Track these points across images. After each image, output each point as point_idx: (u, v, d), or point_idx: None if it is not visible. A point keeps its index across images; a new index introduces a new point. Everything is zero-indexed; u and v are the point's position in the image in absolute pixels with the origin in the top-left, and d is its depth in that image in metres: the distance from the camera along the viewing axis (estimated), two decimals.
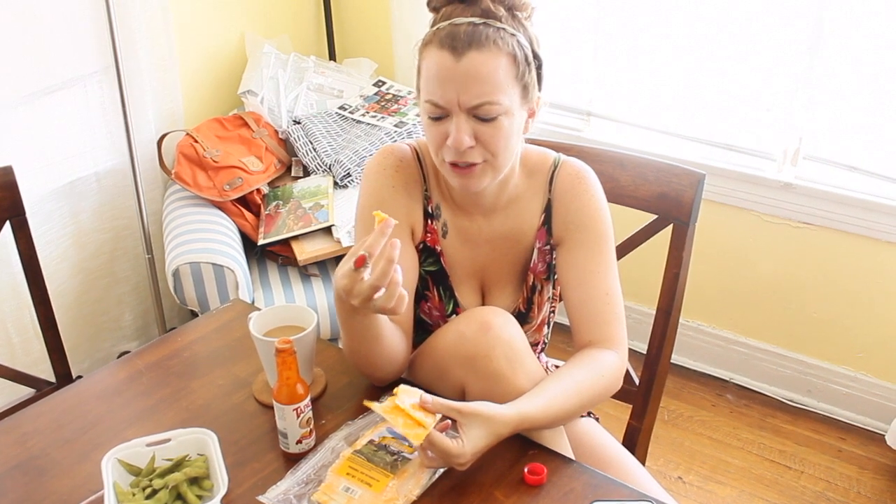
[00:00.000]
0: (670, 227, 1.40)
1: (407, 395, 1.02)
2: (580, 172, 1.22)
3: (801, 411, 2.33)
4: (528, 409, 1.04)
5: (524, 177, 1.22)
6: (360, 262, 0.98)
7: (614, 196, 1.42)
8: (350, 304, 1.02)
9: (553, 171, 1.22)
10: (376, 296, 0.99)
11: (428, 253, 1.25)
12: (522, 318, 1.26)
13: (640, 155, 1.43)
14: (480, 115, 1.07)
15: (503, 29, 1.07)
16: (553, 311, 1.35)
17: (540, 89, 1.15)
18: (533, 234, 1.24)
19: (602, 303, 1.17)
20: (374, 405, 1.01)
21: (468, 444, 1.00)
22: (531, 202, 1.23)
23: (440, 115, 1.09)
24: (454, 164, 1.11)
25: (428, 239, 1.24)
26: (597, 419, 1.40)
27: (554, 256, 1.25)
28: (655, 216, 1.41)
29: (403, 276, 1.17)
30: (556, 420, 1.08)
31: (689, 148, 2.32)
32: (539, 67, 1.13)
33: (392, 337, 1.14)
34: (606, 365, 1.15)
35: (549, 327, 1.36)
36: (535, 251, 1.24)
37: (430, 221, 1.23)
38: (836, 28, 2.04)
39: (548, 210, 1.22)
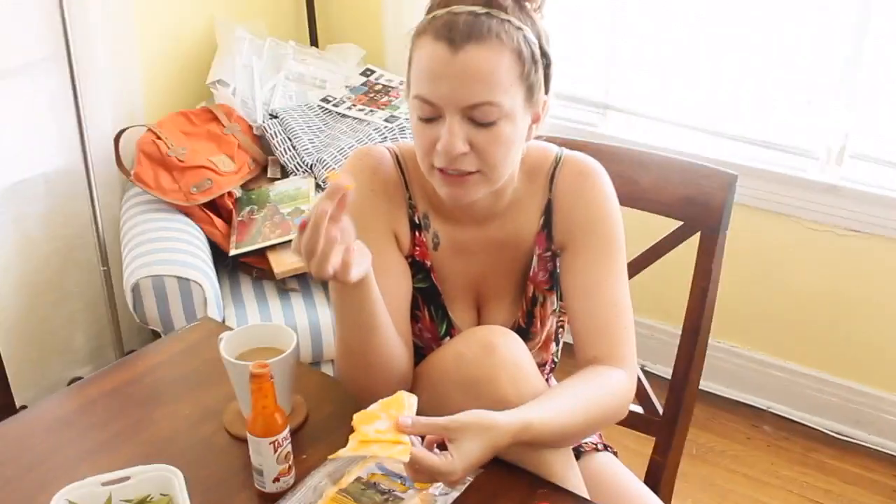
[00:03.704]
0: (698, 235, 1.40)
1: (367, 423, 1.01)
2: (585, 168, 1.22)
3: (850, 445, 2.33)
4: (532, 418, 1.04)
5: (523, 179, 1.23)
6: (303, 227, 1.00)
7: (634, 200, 1.42)
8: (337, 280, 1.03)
9: (554, 169, 1.23)
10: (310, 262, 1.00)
11: (417, 268, 1.25)
12: (523, 333, 1.27)
13: (664, 154, 1.44)
14: (477, 118, 1.08)
15: (508, 21, 1.08)
16: (562, 327, 1.35)
17: (547, 91, 1.15)
18: (531, 240, 1.25)
19: (609, 315, 1.18)
20: (339, 453, 1.01)
21: (459, 459, 0.99)
22: (530, 205, 1.24)
23: (431, 116, 1.09)
24: (443, 171, 1.11)
25: (417, 253, 1.25)
26: (615, 453, 1.41)
27: (557, 264, 1.26)
28: (681, 223, 1.41)
29: (392, 287, 1.18)
30: (560, 437, 1.08)
31: (720, 145, 2.33)
32: (547, 66, 1.14)
33: (389, 330, 1.14)
34: (615, 384, 1.15)
35: (557, 345, 1.37)
36: (535, 258, 1.25)
37: (417, 233, 1.24)
38: (885, 10, 2.05)
39: (547, 212, 1.23)
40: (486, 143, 1.09)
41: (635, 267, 1.47)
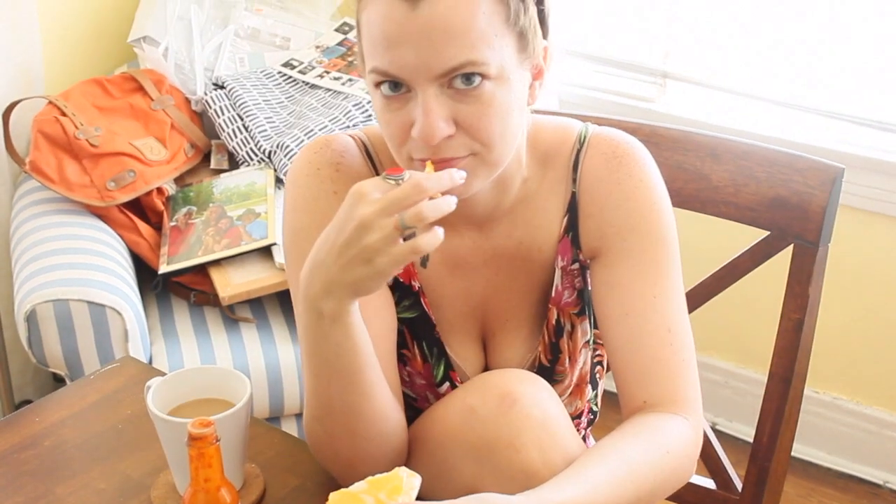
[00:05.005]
0: (789, 249, 1.41)
1: None
2: (619, 147, 1.23)
3: None
4: (561, 500, 1.04)
5: (535, 165, 1.24)
6: (399, 170, 1.04)
7: (703, 202, 1.43)
8: (344, 280, 1.04)
9: (578, 152, 1.24)
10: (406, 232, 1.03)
11: (401, 294, 1.26)
12: (547, 374, 1.27)
13: (744, 140, 1.44)
14: (458, 86, 1.08)
15: None
16: (601, 364, 1.36)
17: (546, 34, 1.16)
18: (552, 248, 1.25)
19: (662, 343, 1.18)
20: None
21: None
22: (547, 201, 1.25)
23: (398, 93, 1.10)
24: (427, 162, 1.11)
25: (399, 273, 1.25)
26: None
27: (588, 279, 1.27)
28: (767, 233, 1.42)
29: (372, 321, 1.18)
30: None
31: (819, 127, 2.33)
32: (540, 1, 1.14)
33: (378, 378, 1.15)
34: (673, 436, 1.15)
35: (595, 389, 1.37)
36: (558, 273, 1.26)
37: None
38: None
39: (572, 210, 1.24)
40: (475, 117, 1.10)
41: (705, 291, 1.48)
